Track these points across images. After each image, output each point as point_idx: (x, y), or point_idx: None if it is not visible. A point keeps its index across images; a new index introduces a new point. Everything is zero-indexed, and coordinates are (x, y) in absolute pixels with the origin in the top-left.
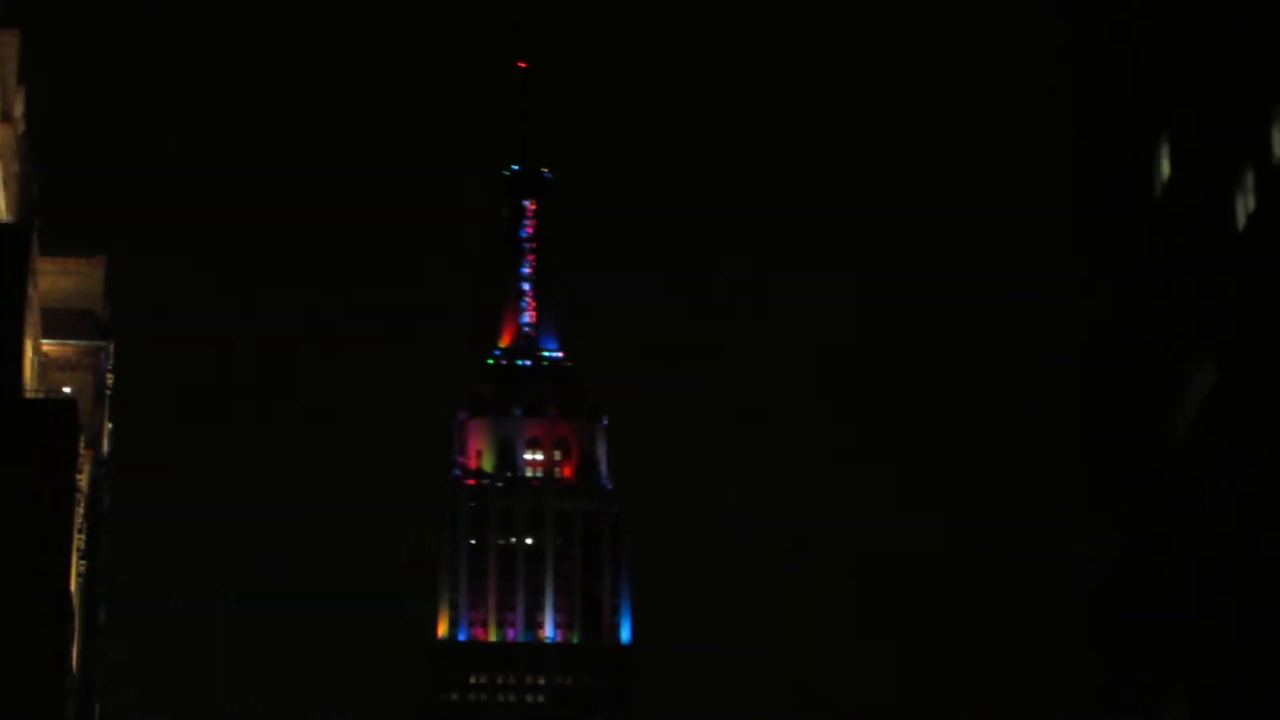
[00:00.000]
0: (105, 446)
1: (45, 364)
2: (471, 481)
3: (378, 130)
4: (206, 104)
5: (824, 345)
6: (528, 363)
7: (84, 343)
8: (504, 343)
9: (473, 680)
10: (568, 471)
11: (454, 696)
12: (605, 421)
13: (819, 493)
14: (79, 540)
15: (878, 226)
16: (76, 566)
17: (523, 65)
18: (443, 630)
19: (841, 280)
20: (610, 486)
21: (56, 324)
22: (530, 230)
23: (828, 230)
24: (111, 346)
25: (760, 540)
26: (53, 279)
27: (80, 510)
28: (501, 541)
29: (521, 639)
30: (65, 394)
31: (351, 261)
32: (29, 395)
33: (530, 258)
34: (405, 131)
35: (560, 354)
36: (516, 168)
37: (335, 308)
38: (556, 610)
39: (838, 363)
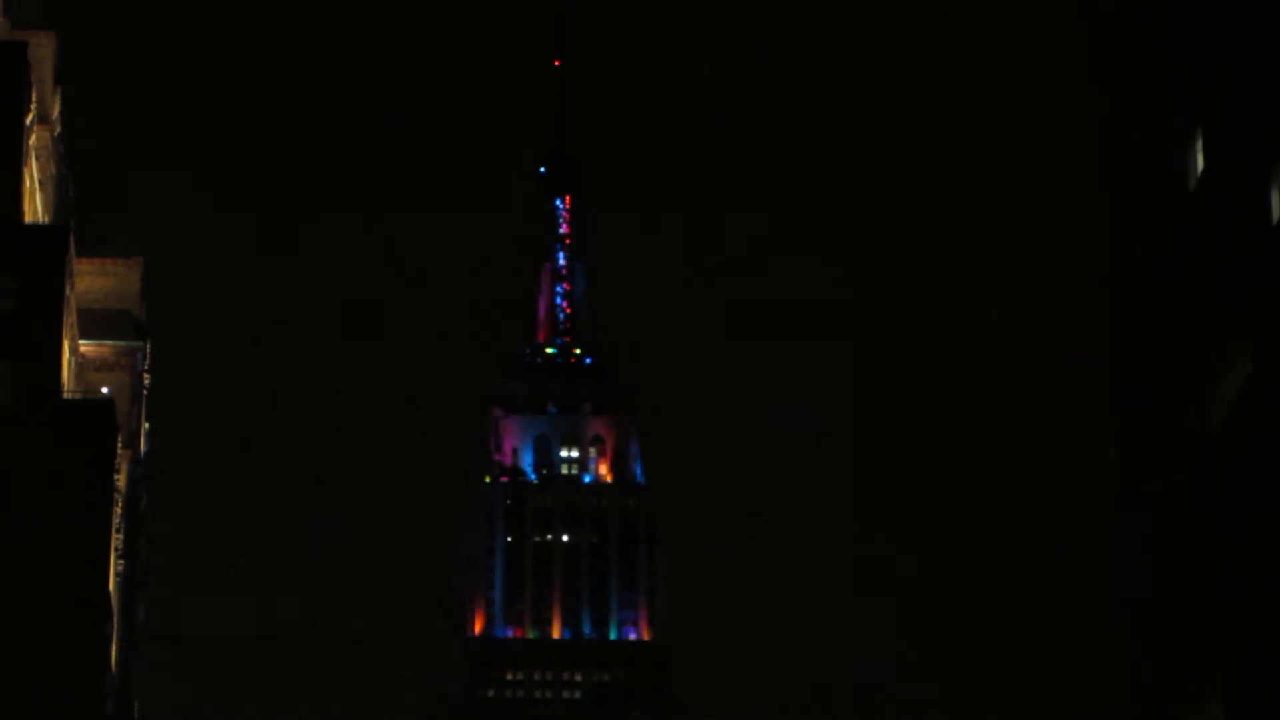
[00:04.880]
0: (143, 446)
1: (83, 364)
2: (507, 479)
3: (412, 126)
4: (241, 104)
5: (865, 344)
6: (562, 360)
7: (121, 343)
8: (539, 339)
9: (510, 677)
10: (603, 469)
11: (491, 694)
12: (639, 418)
13: (858, 497)
14: (117, 540)
15: (915, 225)
16: (115, 566)
17: (558, 63)
18: (480, 628)
19: (878, 279)
20: (645, 483)
21: (94, 325)
22: (565, 227)
23: (865, 228)
24: (148, 346)
25: (802, 541)
26: (90, 280)
27: (118, 510)
28: (538, 539)
29: (558, 636)
30: (103, 394)
31: (388, 259)
32: (67, 396)
33: (564, 254)
34: (439, 128)
35: (595, 350)
36: (551, 165)
37: (372, 307)
38: (593, 607)
39: (878, 362)
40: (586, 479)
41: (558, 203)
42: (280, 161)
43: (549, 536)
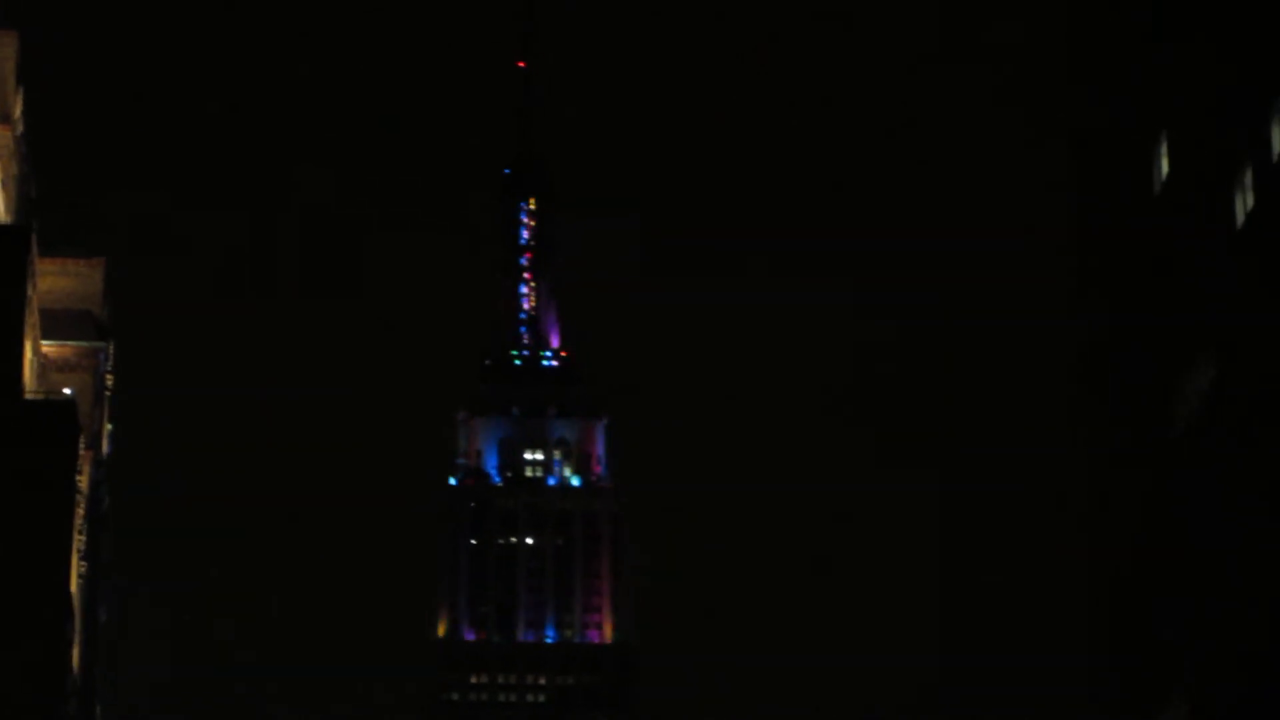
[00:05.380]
0: (105, 448)
1: (45, 365)
2: (472, 482)
3: (376, 127)
4: (204, 104)
5: (830, 345)
6: (527, 362)
7: (83, 344)
8: (503, 342)
9: (474, 680)
10: (568, 471)
11: (455, 696)
12: (605, 420)
13: (829, 494)
14: (79, 541)
15: (878, 229)
16: (77, 567)
17: (522, 65)
18: (444, 630)
19: (844, 282)
20: (610, 486)
21: (56, 325)
22: (530, 229)
23: (832, 231)
24: (111, 347)
25: (768, 543)
26: (52, 280)
27: (80, 511)
28: (502, 541)
29: (523, 639)
30: (65, 395)
31: (353, 261)
32: (29, 396)
33: (529, 256)
34: (404, 130)
35: (560, 353)
36: (516, 167)
37: (335, 312)
38: (558, 610)
39: (844, 362)
40: (551, 481)
41: (522, 205)
42: (245, 163)
43: (513, 539)
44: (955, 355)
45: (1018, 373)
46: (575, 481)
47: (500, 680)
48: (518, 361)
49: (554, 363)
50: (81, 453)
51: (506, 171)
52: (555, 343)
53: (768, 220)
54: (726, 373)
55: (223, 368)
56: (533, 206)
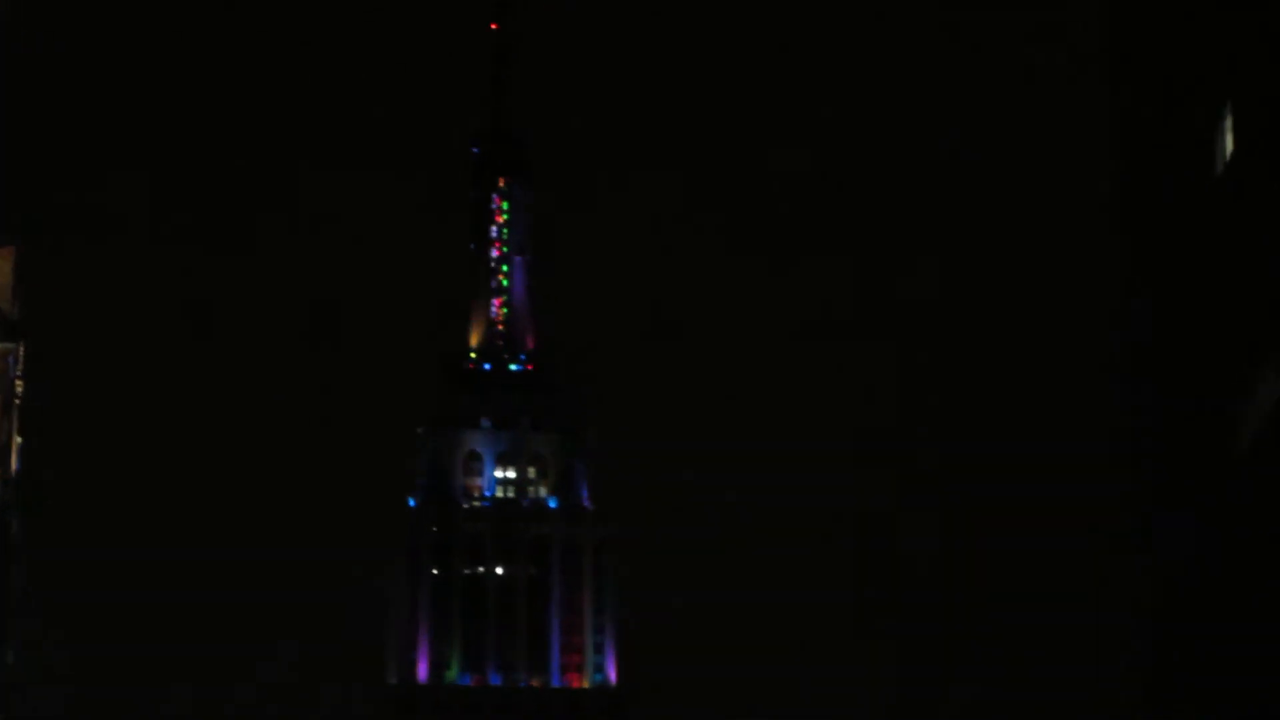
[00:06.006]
0: (13, 464)
1: None
2: (433, 504)
3: (332, 101)
4: (139, 78)
5: (843, 348)
6: (498, 367)
7: None
8: (471, 344)
9: None
10: (544, 491)
11: None
12: (587, 434)
13: (826, 516)
14: None
15: (891, 211)
16: None
17: (495, 26)
18: (402, 673)
19: (845, 269)
20: (592, 508)
21: None
22: (503, 214)
23: (830, 215)
24: (21, 350)
25: (756, 566)
26: None
27: None
28: (468, 572)
29: (492, 683)
30: None
31: (298, 248)
32: None
33: (501, 246)
34: (364, 102)
35: (536, 357)
36: (487, 143)
37: (279, 306)
38: (532, 651)
39: (862, 368)
40: (525, 503)
41: (494, 187)
42: (178, 143)
43: (481, 569)
44: (998, 365)
45: (1072, 384)
46: (552, 503)
47: None
48: (487, 366)
49: (529, 367)
50: None
51: (475, 149)
52: (531, 345)
53: (775, 205)
54: (728, 380)
55: (150, 375)
56: (506, 188)
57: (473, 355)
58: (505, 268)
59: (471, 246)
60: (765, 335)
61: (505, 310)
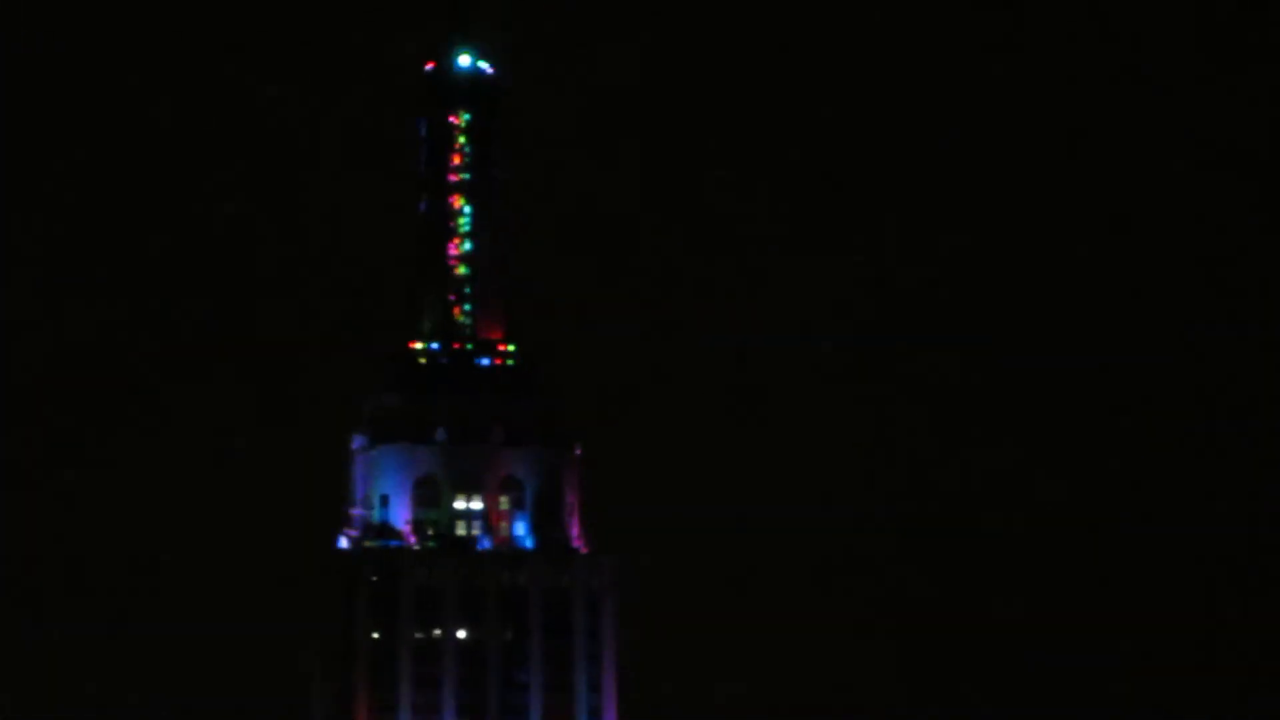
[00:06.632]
0: None
1: None
2: (373, 543)
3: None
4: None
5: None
6: (458, 361)
7: None
8: (424, 334)
9: None
10: (520, 528)
11: None
12: (577, 451)
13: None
14: None
15: (943, 214)
16: None
17: None
18: None
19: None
20: (584, 550)
21: None
22: (463, 163)
23: (851, 202)
24: None
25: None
26: None
27: None
28: (420, 635)
29: None
30: None
31: (199, 210)
32: None
33: (459, 204)
34: (291, 21)
35: (508, 351)
36: (443, 68)
37: (192, 285)
38: None
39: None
40: (495, 543)
41: (453, 121)
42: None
43: (437, 631)
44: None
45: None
46: (530, 543)
47: None
48: (444, 360)
49: (499, 361)
50: None
51: (429, 69)
52: (502, 331)
53: (783, 177)
54: (743, 375)
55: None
56: (465, 124)
57: (422, 343)
58: (469, 227)
59: (422, 197)
60: (784, 328)
61: (468, 284)
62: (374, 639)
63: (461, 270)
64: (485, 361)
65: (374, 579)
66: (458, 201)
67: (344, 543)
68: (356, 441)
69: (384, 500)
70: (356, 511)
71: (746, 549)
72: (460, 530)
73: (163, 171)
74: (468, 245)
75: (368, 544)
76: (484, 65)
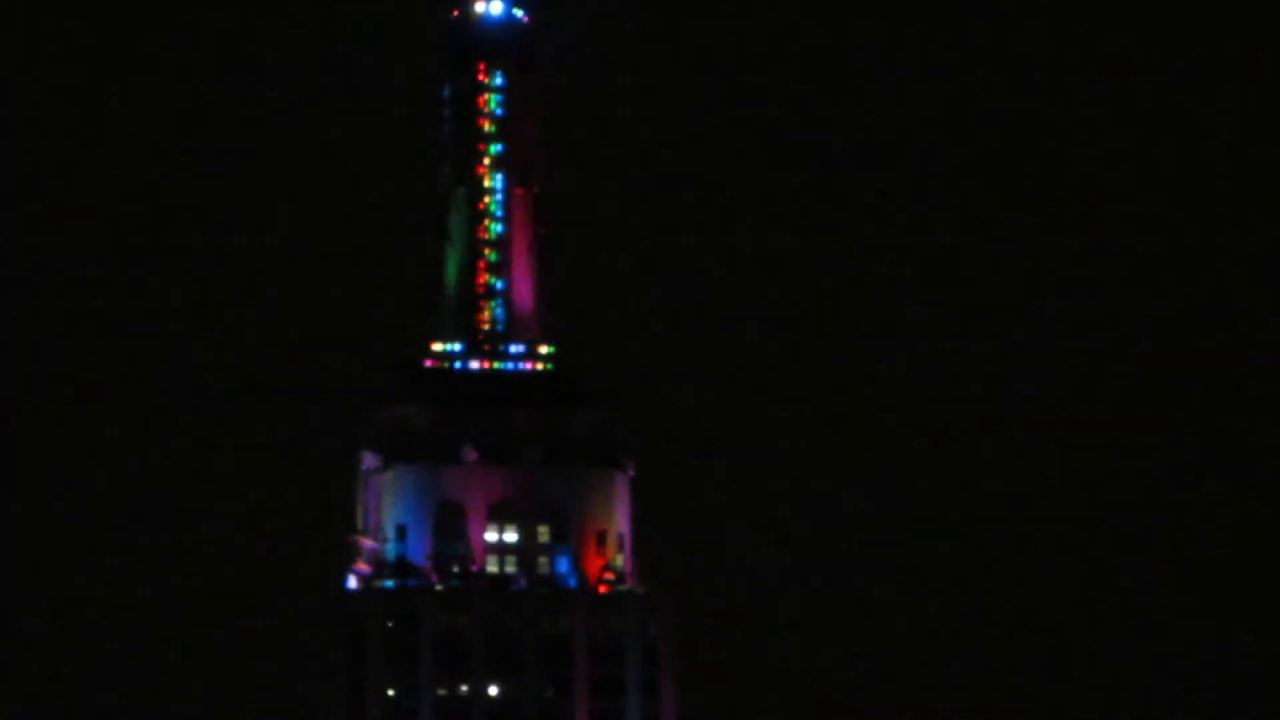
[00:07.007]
0: None
1: None
2: (389, 581)
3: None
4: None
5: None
6: (488, 363)
7: None
8: (448, 335)
9: None
10: (562, 563)
11: None
12: (630, 473)
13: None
14: None
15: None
16: None
17: None
18: None
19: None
20: (640, 589)
21: None
22: (493, 130)
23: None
24: None
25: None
26: None
27: None
28: (444, 692)
29: None
30: None
31: (207, 204)
32: None
33: (487, 180)
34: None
35: (547, 354)
36: (468, 19)
37: (186, 277)
38: None
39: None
40: (532, 582)
41: (480, 80)
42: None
43: (464, 687)
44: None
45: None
46: (574, 582)
47: None
48: (471, 365)
49: (536, 365)
50: None
51: (453, 17)
52: (537, 330)
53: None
54: (811, 376)
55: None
56: (500, 88)
57: (444, 345)
58: (501, 207)
59: (444, 172)
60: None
61: (500, 282)
62: (389, 696)
63: (491, 257)
64: (519, 367)
65: (389, 624)
66: (486, 177)
67: (352, 582)
68: (367, 461)
69: (400, 531)
70: (367, 544)
71: (819, 589)
72: (491, 567)
73: (160, 168)
74: (497, 228)
75: (381, 583)
76: (518, 13)
